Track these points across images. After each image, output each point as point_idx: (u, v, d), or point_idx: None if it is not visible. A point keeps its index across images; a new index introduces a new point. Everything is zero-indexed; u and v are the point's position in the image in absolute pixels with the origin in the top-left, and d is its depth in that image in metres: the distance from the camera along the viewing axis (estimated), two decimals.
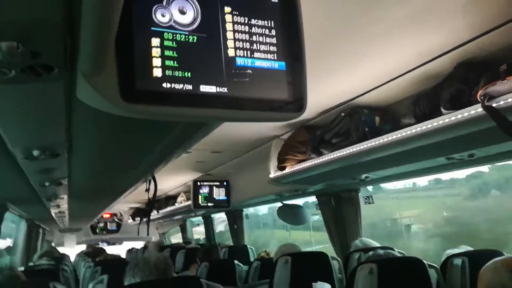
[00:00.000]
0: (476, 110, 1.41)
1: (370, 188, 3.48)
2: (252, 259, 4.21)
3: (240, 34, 0.82)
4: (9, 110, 0.87)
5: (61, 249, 7.15)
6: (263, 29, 0.84)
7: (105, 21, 0.53)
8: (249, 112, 0.82)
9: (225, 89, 0.79)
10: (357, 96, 2.10)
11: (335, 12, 1.34)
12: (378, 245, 2.78)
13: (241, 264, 3.44)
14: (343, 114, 2.20)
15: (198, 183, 4.61)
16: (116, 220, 9.47)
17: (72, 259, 6.46)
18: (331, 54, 1.66)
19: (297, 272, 2.34)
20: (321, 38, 1.48)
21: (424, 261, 1.85)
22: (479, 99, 1.39)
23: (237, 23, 0.82)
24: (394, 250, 2.42)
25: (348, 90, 2.07)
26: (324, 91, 2.07)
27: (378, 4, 1.30)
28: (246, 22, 0.83)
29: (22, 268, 3.05)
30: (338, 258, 2.72)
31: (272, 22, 0.85)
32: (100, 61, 0.64)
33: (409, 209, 5.74)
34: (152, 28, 0.72)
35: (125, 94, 0.68)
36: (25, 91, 0.77)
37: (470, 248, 2.25)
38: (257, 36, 0.84)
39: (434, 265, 1.98)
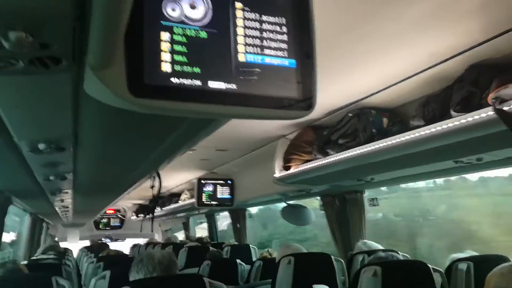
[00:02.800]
0: (487, 113, 1.38)
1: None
2: (254, 258, 4.20)
3: (250, 30, 0.81)
4: (15, 102, 0.87)
5: (64, 244, 7.18)
6: (274, 26, 0.83)
7: (114, 14, 0.53)
8: (257, 109, 0.81)
9: (234, 86, 0.78)
10: (365, 97, 2.08)
11: (344, 12, 1.33)
12: (381, 247, 2.76)
13: (243, 263, 3.43)
14: (350, 114, 2.18)
15: (202, 181, 4.61)
16: (119, 216, 9.49)
17: (75, 254, 6.48)
18: (339, 54, 1.64)
19: (299, 272, 2.33)
20: (329, 38, 1.47)
21: (429, 265, 1.84)
22: (490, 102, 1.37)
23: (248, 19, 0.80)
24: (398, 254, 2.41)
25: (356, 90, 2.05)
26: (332, 91, 2.05)
27: (388, 4, 1.28)
28: (257, 18, 0.81)
29: (25, 262, 3.06)
30: (342, 260, 2.70)
31: (284, 19, 0.84)
32: (109, 54, 0.63)
33: None
34: (162, 22, 0.71)
35: (133, 88, 0.67)
36: (33, 83, 0.76)
37: (474, 253, 2.23)
38: (268, 32, 0.82)
39: (439, 269, 1.96)
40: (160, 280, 1.45)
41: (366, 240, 2.94)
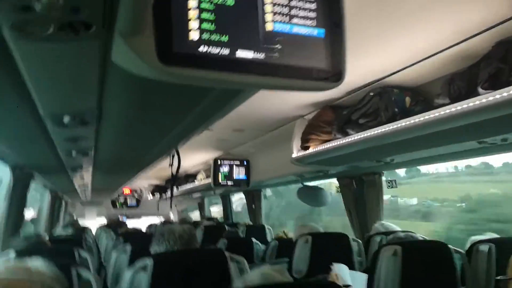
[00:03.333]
0: None
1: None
2: (269, 238, 4.23)
3: None
4: (42, 71, 0.87)
5: (81, 222, 7.34)
6: None
7: None
8: (285, 80, 0.80)
9: (262, 55, 0.77)
10: (388, 75, 2.04)
11: None
12: (399, 229, 2.75)
13: (259, 243, 3.46)
14: (371, 93, 2.14)
15: (219, 162, 4.63)
16: (136, 196, 9.64)
17: (93, 232, 6.63)
18: (361, 31, 1.59)
19: (316, 251, 2.34)
20: (351, 13, 1.42)
21: (450, 246, 1.82)
22: None
23: None
24: (416, 234, 2.40)
25: (378, 68, 2.01)
26: (353, 70, 1.98)
27: None
28: None
29: (47, 237, 3.14)
30: (359, 240, 2.70)
31: None
32: (138, 21, 0.63)
33: None
34: None
35: (162, 56, 0.67)
36: (61, 52, 0.76)
37: (495, 235, 2.20)
38: (296, 1, 0.80)
39: (460, 250, 1.94)
40: (182, 253, 1.47)
41: (383, 222, 2.93)
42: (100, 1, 0.61)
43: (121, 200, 9.61)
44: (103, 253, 3.59)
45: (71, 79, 0.93)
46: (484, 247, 1.90)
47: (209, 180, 4.81)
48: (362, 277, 1.92)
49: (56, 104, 1.12)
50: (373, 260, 1.77)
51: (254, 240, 3.40)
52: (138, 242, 2.41)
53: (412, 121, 1.79)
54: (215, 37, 0.73)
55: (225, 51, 0.74)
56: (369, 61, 1.91)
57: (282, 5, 0.79)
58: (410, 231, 2.48)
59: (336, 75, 0.83)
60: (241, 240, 3.64)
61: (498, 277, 1.43)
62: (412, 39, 1.67)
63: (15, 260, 1.04)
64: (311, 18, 0.81)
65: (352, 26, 1.52)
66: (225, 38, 0.74)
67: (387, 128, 1.94)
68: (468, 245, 2.03)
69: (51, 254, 1.73)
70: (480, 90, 1.51)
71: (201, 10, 0.71)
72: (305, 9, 0.81)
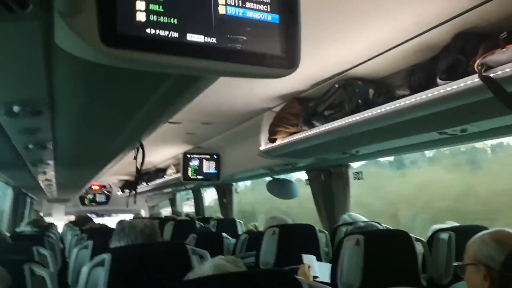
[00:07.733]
0: (472, 80, 1.37)
1: None
2: (240, 232, 4.23)
3: None
4: None
5: (49, 220, 7.13)
6: None
7: None
8: (238, 66, 0.78)
9: (213, 40, 0.75)
10: (352, 68, 2.06)
11: None
12: (366, 219, 2.79)
13: (229, 237, 3.45)
14: (336, 85, 2.16)
15: (188, 156, 4.58)
16: (105, 192, 9.43)
17: (60, 229, 6.45)
18: (325, 23, 1.60)
19: (284, 243, 2.35)
20: (315, 5, 1.43)
21: (411, 234, 1.85)
22: (476, 69, 1.35)
23: None
24: (379, 224, 2.44)
25: (342, 61, 2.02)
26: (318, 62, 2.02)
27: None
28: None
29: (8, 234, 3.03)
30: (326, 232, 2.72)
31: None
32: None
33: None
34: None
35: (105, 37, 0.64)
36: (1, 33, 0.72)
37: (456, 224, 2.26)
38: None
39: (421, 238, 1.99)
40: (141, 246, 1.43)
41: (351, 212, 2.97)
42: None
43: (90, 196, 9.37)
44: (68, 249, 3.49)
45: (16, 64, 0.88)
46: (444, 235, 1.95)
47: (179, 175, 4.76)
48: (326, 267, 1.94)
49: (3, 92, 1.07)
50: (337, 250, 1.79)
51: (224, 234, 3.38)
52: (102, 237, 2.34)
53: (373, 112, 1.81)
54: (163, 19, 0.70)
55: (175, 34, 0.71)
56: (333, 53, 1.93)
57: None
58: (374, 221, 2.52)
59: (290, 61, 0.82)
60: (211, 235, 3.61)
61: (455, 263, 1.47)
62: (374, 31, 1.69)
63: None
64: (265, 3, 0.80)
65: (315, 18, 1.53)
66: (174, 21, 0.71)
67: (350, 120, 1.95)
68: (429, 234, 2.07)
69: (9, 252, 1.67)
70: (438, 81, 1.53)
71: None
72: None
